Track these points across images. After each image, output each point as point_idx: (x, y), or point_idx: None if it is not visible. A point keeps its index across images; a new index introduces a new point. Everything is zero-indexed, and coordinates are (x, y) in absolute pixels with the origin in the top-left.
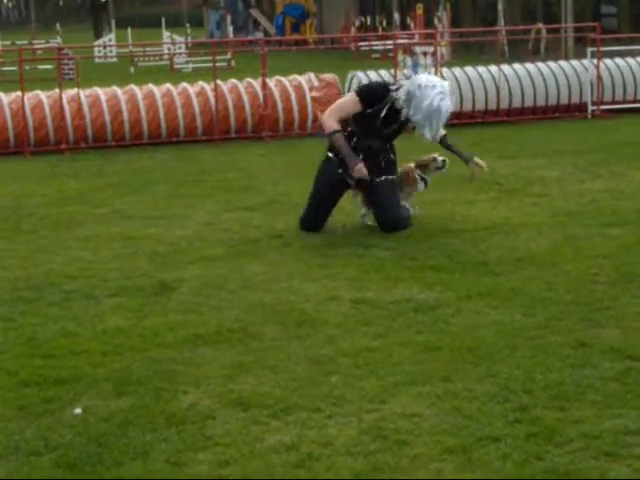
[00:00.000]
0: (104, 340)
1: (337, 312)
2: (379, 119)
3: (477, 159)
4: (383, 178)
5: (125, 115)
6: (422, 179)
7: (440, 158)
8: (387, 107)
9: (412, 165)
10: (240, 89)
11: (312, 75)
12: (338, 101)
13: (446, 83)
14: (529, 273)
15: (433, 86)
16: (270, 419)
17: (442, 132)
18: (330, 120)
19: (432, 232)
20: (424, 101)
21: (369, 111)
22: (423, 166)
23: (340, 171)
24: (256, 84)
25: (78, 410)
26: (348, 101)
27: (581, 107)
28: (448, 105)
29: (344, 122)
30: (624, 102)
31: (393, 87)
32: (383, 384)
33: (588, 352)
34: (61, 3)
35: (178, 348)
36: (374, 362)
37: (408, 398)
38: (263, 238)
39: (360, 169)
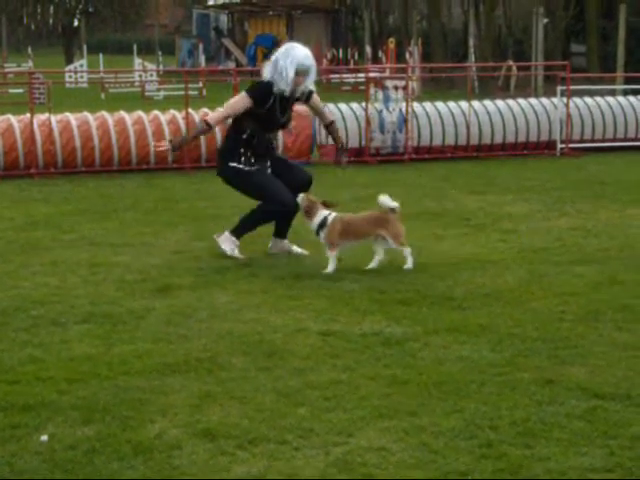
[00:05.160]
0: (71, 367)
1: (305, 344)
2: (278, 111)
3: (345, 157)
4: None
5: (96, 141)
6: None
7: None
8: (278, 101)
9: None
10: None
11: None
12: (230, 102)
13: (292, 45)
14: (496, 309)
15: (283, 51)
16: (237, 450)
17: (311, 87)
18: (216, 114)
19: (400, 266)
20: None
21: (267, 108)
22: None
23: (254, 168)
24: None
25: (44, 437)
26: (238, 99)
27: (550, 145)
28: (292, 57)
29: (242, 127)
30: (592, 141)
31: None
32: (351, 417)
33: (555, 389)
34: (33, 27)
35: (145, 376)
36: (342, 395)
37: (375, 432)
38: (231, 268)
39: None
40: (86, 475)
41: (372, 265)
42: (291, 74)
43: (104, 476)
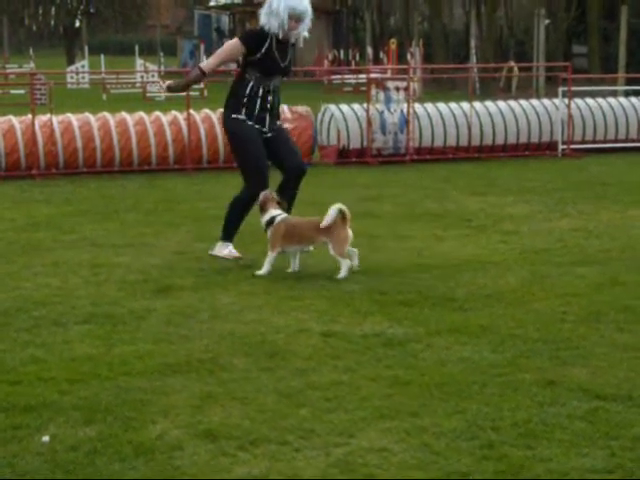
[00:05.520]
0: (72, 367)
1: (307, 345)
2: (277, 55)
3: None
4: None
5: (97, 142)
6: None
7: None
8: (275, 44)
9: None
10: (213, 119)
11: (285, 107)
12: (223, 46)
13: None
14: (498, 310)
15: None
16: (238, 451)
17: (304, 35)
18: (209, 60)
19: (401, 267)
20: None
21: (262, 52)
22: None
23: (252, 124)
24: None
25: (46, 438)
26: (230, 44)
27: (551, 146)
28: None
29: (244, 79)
30: (594, 142)
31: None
32: (352, 418)
33: (556, 390)
34: (34, 28)
35: (147, 377)
36: (343, 396)
37: (377, 433)
38: (233, 268)
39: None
40: (87, 476)
41: (342, 274)
42: (283, 17)
43: (105, 477)
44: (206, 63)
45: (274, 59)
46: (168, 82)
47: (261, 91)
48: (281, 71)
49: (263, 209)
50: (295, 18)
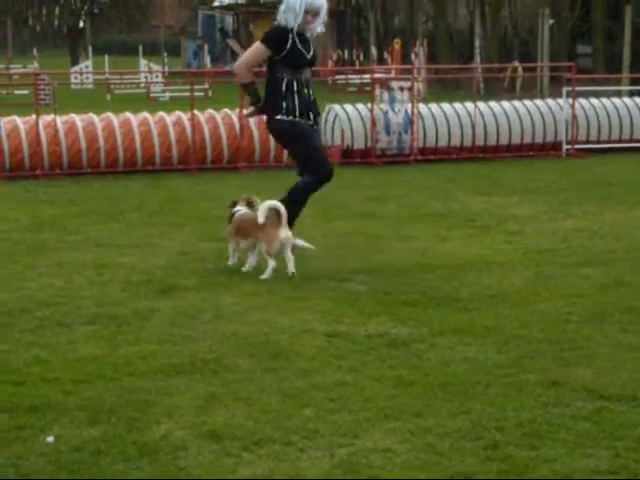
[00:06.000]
0: (76, 368)
1: (311, 345)
2: (302, 48)
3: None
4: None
5: (101, 142)
6: None
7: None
8: (297, 38)
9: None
10: (217, 119)
11: None
12: (246, 53)
13: None
14: (502, 310)
15: None
16: (242, 451)
17: (320, 29)
18: (243, 71)
19: (405, 267)
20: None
21: (287, 49)
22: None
23: (297, 119)
24: (233, 115)
25: (50, 438)
26: (254, 49)
27: (556, 146)
28: None
29: (276, 78)
30: (598, 142)
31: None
32: (356, 418)
33: (560, 391)
34: (38, 28)
35: (151, 378)
36: (347, 396)
37: (381, 433)
38: (237, 269)
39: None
40: (92, 476)
41: (265, 275)
42: (300, 12)
43: (109, 477)
44: (241, 77)
45: (300, 52)
46: (248, 110)
47: (295, 85)
48: (308, 63)
49: (232, 205)
50: (312, 13)
